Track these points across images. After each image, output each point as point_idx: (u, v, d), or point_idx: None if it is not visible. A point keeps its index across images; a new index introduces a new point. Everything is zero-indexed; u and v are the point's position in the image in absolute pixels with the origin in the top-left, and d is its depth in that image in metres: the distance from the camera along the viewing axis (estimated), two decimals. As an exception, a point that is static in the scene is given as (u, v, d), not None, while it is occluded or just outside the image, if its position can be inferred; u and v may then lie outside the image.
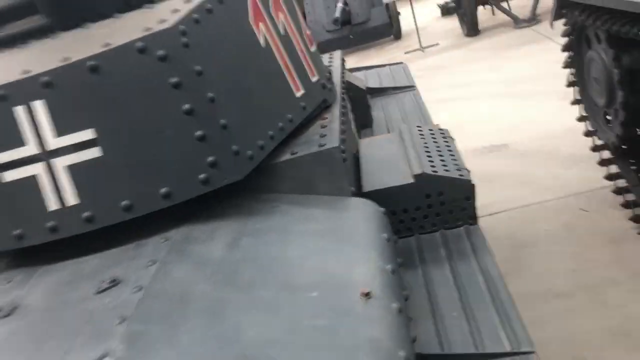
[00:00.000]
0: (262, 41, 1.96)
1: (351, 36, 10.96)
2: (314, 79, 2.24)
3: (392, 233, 1.78)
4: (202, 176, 1.66)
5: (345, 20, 10.95)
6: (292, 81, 2.06)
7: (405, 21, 11.46)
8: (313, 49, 2.40)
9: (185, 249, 1.58)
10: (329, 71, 2.61)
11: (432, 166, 2.03)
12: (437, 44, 10.36)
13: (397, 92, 3.55)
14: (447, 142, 2.27)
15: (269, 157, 1.86)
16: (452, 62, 9.09)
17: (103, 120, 1.63)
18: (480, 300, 1.68)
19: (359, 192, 1.98)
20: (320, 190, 1.86)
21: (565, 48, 4.02)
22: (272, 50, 2.01)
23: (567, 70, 4.10)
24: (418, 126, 2.43)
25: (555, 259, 3.73)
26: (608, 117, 3.74)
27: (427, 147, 2.19)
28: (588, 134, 4.11)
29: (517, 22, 9.75)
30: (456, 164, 2.08)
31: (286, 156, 1.88)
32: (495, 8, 10.41)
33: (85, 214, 1.65)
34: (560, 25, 4.04)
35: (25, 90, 1.61)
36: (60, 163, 1.63)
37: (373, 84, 3.71)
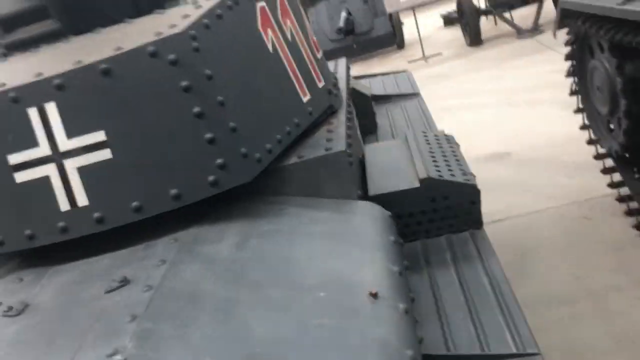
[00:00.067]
0: (270, 47, 1.99)
1: (354, 45, 11.02)
2: (321, 84, 2.27)
3: (398, 236, 1.80)
4: (211, 178, 1.68)
5: (349, 29, 11.01)
6: (299, 86, 2.08)
7: (408, 31, 11.52)
8: (319, 55, 2.43)
9: (195, 249, 1.60)
10: (335, 77, 2.63)
11: (438, 171, 2.05)
12: (440, 54, 10.41)
13: (401, 99, 3.57)
14: (452, 147, 2.30)
15: (277, 160, 1.89)
16: (455, 72, 9.13)
17: (114, 122, 1.65)
18: (486, 302, 1.70)
19: (365, 196, 2.00)
20: (327, 193, 1.88)
21: (568, 57, 4.05)
22: (280, 55, 2.04)
23: (570, 80, 4.12)
24: (423, 132, 2.46)
25: (559, 266, 3.74)
26: (611, 126, 3.76)
27: (432, 152, 2.21)
28: (591, 142, 4.12)
29: (520, 33, 9.80)
30: (462, 169, 2.10)
31: (293, 159, 1.91)
32: (497, 18, 10.46)
33: (96, 215, 1.67)
34: (562, 35, 4.07)
35: (38, 92, 1.64)
36: (72, 164, 1.66)
37: (378, 91, 3.74)
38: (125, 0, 2.15)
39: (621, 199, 3.98)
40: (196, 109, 1.66)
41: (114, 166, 1.66)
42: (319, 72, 2.29)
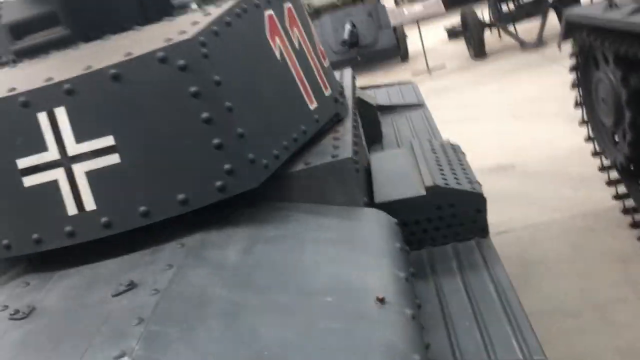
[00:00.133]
0: (277, 54, 2.00)
1: (359, 58, 11.05)
2: (327, 93, 2.28)
3: (404, 244, 1.80)
4: (218, 183, 1.69)
5: (353, 42, 11.05)
6: (306, 94, 2.10)
7: (412, 44, 11.56)
8: (326, 63, 2.45)
9: (202, 254, 1.60)
10: (341, 86, 2.65)
11: (444, 179, 2.06)
12: (444, 67, 10.44)
13: (406, 110, 3.58)
14: (458, 156, 2.30)
15: (283, 167, 1.89)
16: (459, 84, 9.15)
17: (123, 127, 1.66)
18: (492, 310, 1.69)
19: (371, 204, 2.00)
20: (333, 200, 1.89)
21: (573, 69, 4.06)
22: (287, 63, 2.05)
23: (574, 93, 4.13)
24: (429, 140, 2.46)
25: (563, 278, 3.73)
26: (616, 138, 3.76)
27: (438, 161, 2.22)
28: (596, 154, 4.12)
29: (524, 46, 9.83)
30: (468, 177, 2.10)
31: (300, 166, 1.91)
32: (501, 32, 10.50)
33: (103, 219, 1.68)
34: (567, 48, 4.08)
35: (48, 97, 1.65)
36: (80, 169, 1.67)
37: (383, 101, 3.75)
38: (134, 8, 2.18)
39: (626, 211, 3.97)
40: (204, 115, 1.67)
41: (122, 171, 1.67)
42: (326, 80, 2.30)
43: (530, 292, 3.66)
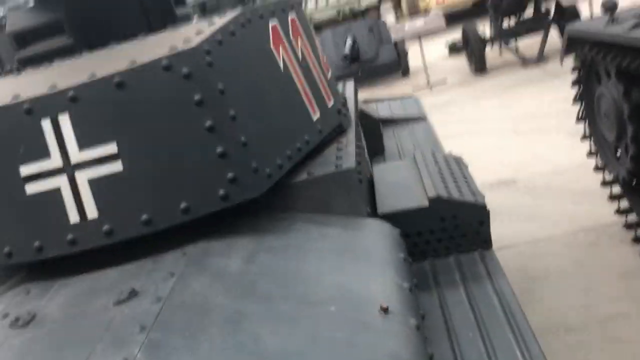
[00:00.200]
0: (281, 64, 2.01)
1: (360, 73, 11.08)
2: (330, 103, 2.28)
3: (408, 254, 1.79)
4: (221, 192, 1.68)
5: (354, 57, 11.09)
6: (309, 104, 2.10)
7: (413, 59, 11.60)
8: (329, 75, 2.45)
9: (204, 262, 1.59)
10: (344, 97, 2.65)
11: (447, 190, 2.05)
12: (444, 82, 10.46)
13: (408, 123, 3.59)
14: (461, 168, 2.30)
15: (286, 176, 1.89)
16: (460, 99, 9.16)
17: (126, 134, 1.66)
18: (496, 321, 1.68)
19: (374, 215, 2.00)
20: (336, 210, 1.88)
21: (575, 84, 4.07)
22: (291, 73, 2.05)
23: (576, 109, 4.14)
24: (432, 152, 2.46)
25: (566, 294, 3.71)
26: (618, 152, 3.76)
27: (441, 172, 2.21)
28: (598, 168, 4.12)
29: (525, 62, 9.85)
30: (471, 189, 2.10)
31: (303, 176, 1.91)
32: (503, 47, 10.54)
33: (105, 227, 1.67)
34: (569, 63, 4.10)
35: (52, 104, 1.65)
36: (83, 176, 1.66)
37: (385, 114, 3.76)
38: (138, 17, 2.19)
39: (629, 226, 3.96)
40: (208, 123, 1.67)
41: (125, 178, 1.66)
42: (329, 92, 2.31)
43: (532, 308, 3.64)
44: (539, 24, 9.80)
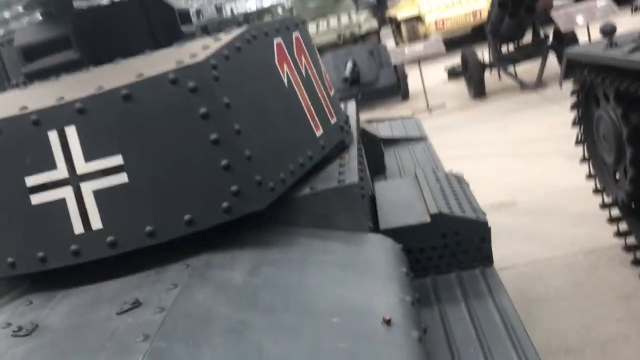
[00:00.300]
0: (285, 80, 2.03)
1: (359, 95, 11.16)
2: (333, 120, 2.30)
3: (410, 269, 1.80)
4: (225, 204, 1.69)
5: (355, 80, 11.17)
6: (312, 120, 2.12)
7: (413, 82, 11.69)
8: (332, 93, 2.48)
9: (207, 274, 1.60)
10: (346, 115, 2.68)
11: (449, 207, 2.06)
12: (444, 106, 10.53)
13: (409, 143, 3.61)
14: (462, 185, 2.31)
15: (289, 191, 1.90)
16: (459, 123, 9.21)
17: (132, 147, 1.67)
18: (497, 337, 1.68)
19: (376, 231, 2.01)
20: (339, 225, 1.89)
21: (574, 107, 4.11)
22: (295, 89, 2.08)
23: (574, 133, 4.17)
24: (433, 170, 2.48)
25: (566, 315, 3.70)
26: (617, 175, 3.78)
27: (442, 190, 2.23)
28: (597, 191, 4.14)
29: (524, 87, 9.93)
30: (472, 206, 2.11)
31: (306, 191, 1.92)
32: (501, 72, 10.63)
33: (109, 239, 1.68)
34: (567, 88, 4.14)
35: (59, 115, 1.67)
36: (88, 187, 1.67)
37: (385, 134, 3.78)
38: (145, 33, 2.22)
39: (628, 249, 3.96)
40: (213, 136, 1.68)
41: (130, 190, 1.67)
42: (332, 109, 2.33)
43: (532, 329, 3.61)
44: (538, 49, 9.90)
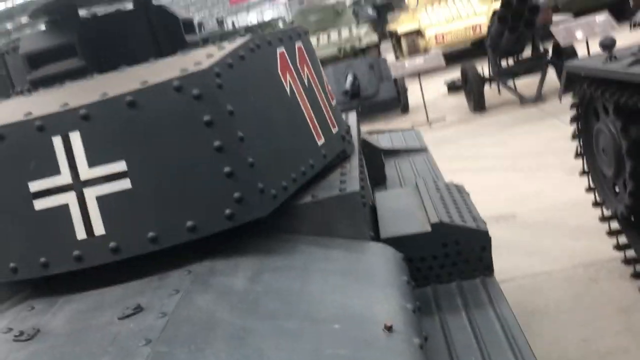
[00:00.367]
0: (288, 90, 2.05)
1: (360, 108, 11.19)
2: (335, 130, 2.32)
3: (411, 278, 1.80)
4: (227, 211, 1.70)
5: (355, 93, 11.21)
6: (314, 129, 2.13)
7: (413, 96, 11.74)
8: (334, 103, 2.50)
9: (209, 280, 1.60)
10: (347, 125, 2.69)
11: (449, 216, 2.07)
12: (443, 119, 10.57)
13: (409, 154, 3.63)
14: (462, 195, 2.32)
15: (291, 199, 1.91)
16: (458, 136, 9.24)
17: (135, 153, 1.69)
18: (498, 346, 1.68)
19: (377, 239, 2.01)
20: (340, 233, 1.90)
21: (574, 120, 4.13)
22: (297, 99, 2.09)
23: (574, 146, 4.19)
24: (434, 180, 2.49)
25: (565, 328, 3.69)
26: (616, 188, 3.79)
27: (443, 199, 2.24)
28: (596, 204, 4.15)
29: (523, 101, 9.98)
30: (472, 216, 2.12)
31: (307, 199, 1.93)
32: (501, 86, 10.68)
33: (112, 244, 1.69)
34: (567, 102, 4.16)
35: (63, 121, 1.68)
36: (91, 193, 1.68)
37: (386, 146, 3.80)
38: (149, 42, 2.24)
39: (627, 262, 3.97)
40: (217, 143, 1.70)
41: (133, 196, 1.68)
42: (334, 119, 2.35)
43: (532, 341, 3.59)
44: (537, 63, 9.96)
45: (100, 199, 1.68)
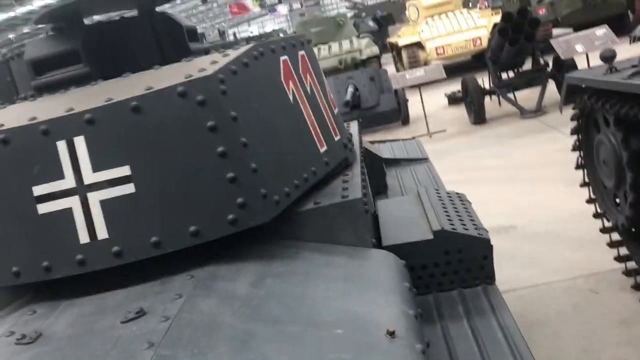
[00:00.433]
0: (290, 97, 2.06)
1: (360, 120, 11.21)
2: (337, 138, 2.33)
3: (412, 285, 1.80)
4: (230, 217, 1.71)
5: (355, 104, 11.25)
6: (316, 137, 2.14)
7: (413, 108, 11.77)
8: (336, 111, 2.51)
9: (211, 285, 1.61)
10: (349, 133, 2.70)
11: (451, 224, 2.08)
12: (444, 131, 10.59)
13: (410, 164, 3.63)
14: (464, 204, 2.33)
15: (293, 206, 1.92)
16: (459, 148, 9.26)
17: (139, 158, 1.69)
18: (500, 353, 1.68)
19: (379, 247, 2.02)
20: (342, 240, 1.90)
21: (574, 131, 4.14)
22: (300, 106, 2.11)
23: (574, 158, 4.20)
24: (436, 189, 2.50)
25: (566, 339, 3.69)
26: (617, 199, 3.80)
27: (445, 208, 2.24)
28: (597, 215, 4.15)
29: (523, 113, 10.01)
30: (474, 224, 2.12)
31: (310, 205, 1.94)
32: (501, 99, 10.72)
33: (115, 249, 1.69)
34: (567, 114, 4.18)
35: (68, 126, 1.69)
36: (95, 197, 1.69)
37: (387, 155, 3.81)
38: (153, 49, 2.25)
39: (628, 273, 3.97)
40: (220, 149, 1.70)
41: (136, 201, 1.69)
42: (336, 127, 2.36)
43: (533, 352, 3.61)
44: (538, 76, 10.01)
45: (104, 204, 1.69)
